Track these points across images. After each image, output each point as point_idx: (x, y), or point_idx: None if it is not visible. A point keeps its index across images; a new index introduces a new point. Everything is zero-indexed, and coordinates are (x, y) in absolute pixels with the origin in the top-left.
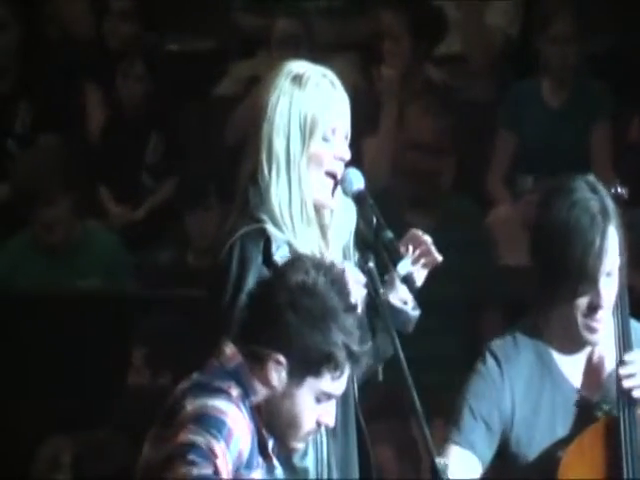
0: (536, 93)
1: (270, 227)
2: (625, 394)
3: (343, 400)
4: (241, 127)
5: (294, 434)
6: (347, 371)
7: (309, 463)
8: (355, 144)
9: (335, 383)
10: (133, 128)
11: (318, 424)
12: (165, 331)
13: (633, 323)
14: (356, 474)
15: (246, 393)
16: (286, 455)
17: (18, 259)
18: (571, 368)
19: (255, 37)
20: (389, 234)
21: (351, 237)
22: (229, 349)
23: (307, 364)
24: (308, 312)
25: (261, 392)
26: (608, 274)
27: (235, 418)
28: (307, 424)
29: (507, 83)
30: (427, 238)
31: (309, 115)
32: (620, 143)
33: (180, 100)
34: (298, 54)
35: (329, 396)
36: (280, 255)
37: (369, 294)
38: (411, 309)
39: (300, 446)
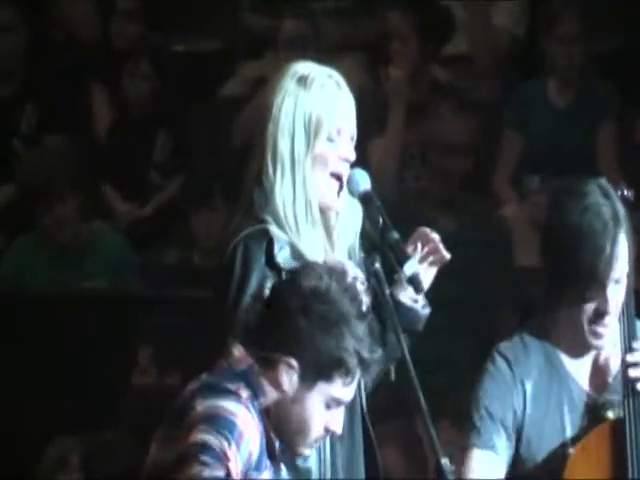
0: (542, 93)
1: (273, 228)
2: (631, 384)
3: (350, 401)
4: (248, 128)
5: (302, 439)
6: (357, 377)
7: (312, 464)
8: (362, 145)
9: (345, 389)
10: (140, 127)
11: (326, 430)
12: (172, 331)
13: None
14: (362, 475)
15: (255, 395)
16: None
17: (25, 259)
18: (578, 369)
19: (262, 38)
20: (395, 235)
21: (357, 238)
22: (238, 351)
23: (319, 369)
24: (321, 317)
25: (270, 394)
26: (616, 281)
27: (245, 420)
28: (316, 429)
29: (513, 83)
30: (435, 236)
31: (314, 115)
32: (626, 143)
33: (187, 100)
34: (305, 55)
35: (339, 402)
36: (282, 256)
37: (375, 295)
38: (421, 307)
39: (307, 452)
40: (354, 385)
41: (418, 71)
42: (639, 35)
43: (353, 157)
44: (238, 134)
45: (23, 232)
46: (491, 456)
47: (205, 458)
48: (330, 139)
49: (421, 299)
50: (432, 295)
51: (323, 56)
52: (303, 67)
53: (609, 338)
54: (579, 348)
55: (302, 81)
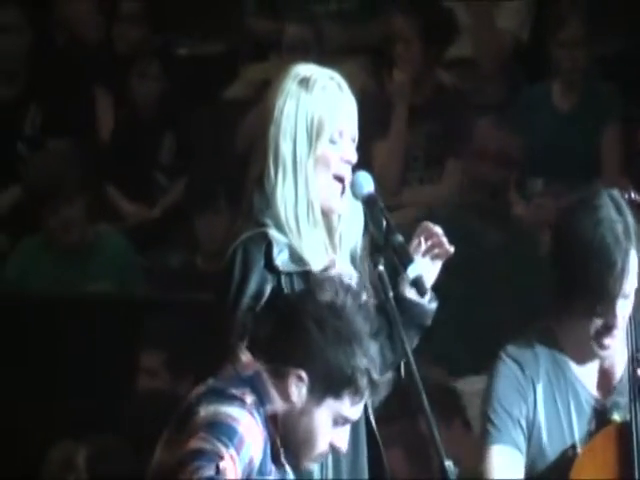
0: (546, 96)
1: (272, 231)
2: (638, 386)
3: None
4: (251, 133)
5: (308, 452)
6: (366, 398)
7: (314, 467)
8: (365, 148)
9: (353, 408)
10: (147, 128)
11: (331, 446)
12: (176, 334)
13: None
14: (365, 476)
15: (261, 401)
16: None
17: (30, 261)
18: (585, 373)
19: (266, 41)
20: (399, 237)
21: (359, 241)
22: (245, 357)
23: (328, 384)
24: (335, 332)
25: (277, 402)
26: (625, 296)
27: (248, 425)
28: (321, 444)
29: (517, 86)
30: (438, 230)
31: (316, 117)
32: (630, 146)
33: (191, 103)
34: (308, 58)
35: (346, 420)
36: (281, 259)
37: (379, 297)
38: (427, 302)
39: (310, 466)
40: (362, 405)
41: (422, 74)
42: None
43: (355, 159)
44: (242, 140)
45: (28, 234)
46: (512, 451)
47: (196, 463)
48: (332, 141)
49: (428, 293)
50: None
51: (327, 59)
52: (304, 69)
53: (615, 347)
54: (585, 356)
55: (304, 83)
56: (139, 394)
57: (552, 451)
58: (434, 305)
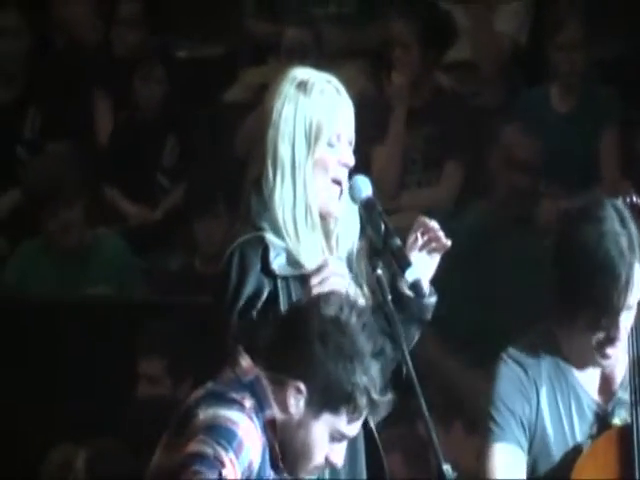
0: (545, 99)
1: (269, 235)
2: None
3: None
4: (250, 136)
5: (304, 464)
6: (364, 415)
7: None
8: (364, 151)
9: (351, 425)
10: (149, 130)
11: (327, 460)
12: (182, 340)
13: None
14: (364, 477)
15: (260, 406)
16: None
17: (29, 264)
18: (587, 378)
19: (266, 44)
20: (397, 241)
21: (355, 243)
22: (245, 361)
23: (327, 399)
24: (337, 348)
25: (276, 409)
26: (629, 308)
27: (247, 429)
28: (318, 457)
29: (516, 89)
30: (434, 224)
31: (314, 121)
32: (628, 149)
33: (190, 106)
34: (307, 62)
35: (343, 436)
36: (278, 263)
37: (377, 300)
38: (427, 296)
39: (307, 478)
40: (360, 422)
41: (420, 77)
42: None
43: (352, 162)
44: (241, 144)
45: (28, 237)
46: (515, 450)
47: (197, 467)
48: (330, 144)
49: (427, 287)
50: None
51: (325, 62)
52: (302, 72)
53: (617, 355)
54: (587, 364)
55: (302, 86)
56: (139, 398)
57: (555, 454)
58: (433, 299)
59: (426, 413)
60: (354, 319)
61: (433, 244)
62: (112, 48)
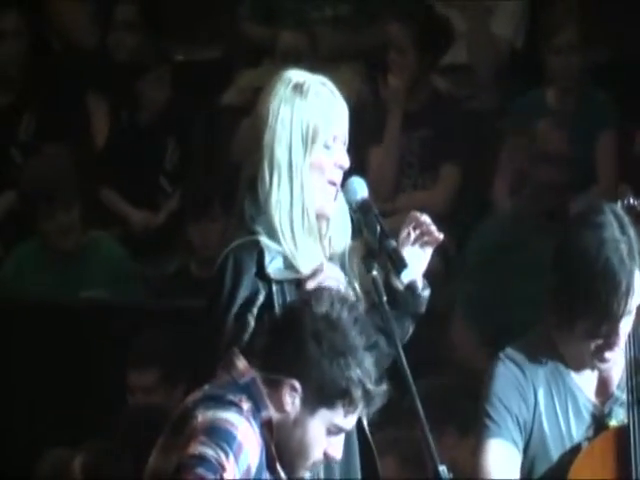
0: (540, 103)
1: (264, 239)
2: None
3: None
4: (245, 139)
5: (302, 462)
6: (360, 408)
7: (306, 475)
8: (360, 154)
9: (347, 419)
10: (151, 133)
11: (325, 455)
12: (175, 350)
13: None
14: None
15: (257, 408)
16: None
17: (24, 266)
18: (584, 380)
19: (262, 47)
20: (393, 243)
21: (347, 245)
22: (241, 363)
23: (322, 395)
24: (330, 345)
25: (273, 411)
26: (628, 314)
27: (245, 432)
28: (316, 454)
29: (512, 93)
30: (426, 218)
31: (311, 123)
32: (624, 153)
33: (187, 109)
34: (303, 65)
35: (339, 430)
36: (273, 267)
37: (373, 302)
38: (420, 289)
39: (306, 475)
40: (356, 415)
41: (416, 80)
42: (636, 45)
43: (348, 164)
44: (237, 148)
45: (23, 239)
46: (509, 447)
47: (200, 470)
48: (326, 146)
49: (420, 281)
50: None
51: (321, 65)
52: (296, 75)
53: (615, 358)
54: (584, 367)
55: (297, 89)
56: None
57: (552, 455)
58: (427, 293)
59: (421, 413)
60: (345, 314)
61: (425, 238)
62: (109, 52)
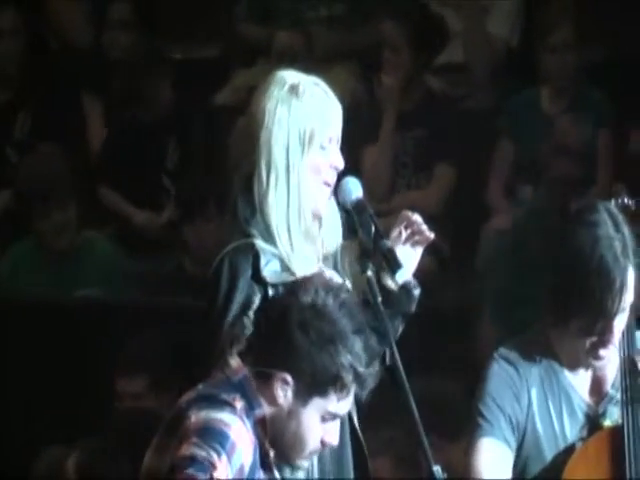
0: (535, 102)
1: (259, 242)
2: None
3: None
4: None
5: (298, 452)
6: (353, 391)
7: (300, 476)
8: (354, 153)
9: (341, 403)
10: (153, 132)
11: (322, 443)
12: (163, 356)
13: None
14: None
15: (251, 406)
16: (277, 467)
17: (19, 265)
18: (578, 380)
19: (258, 46)
20: (388, 243)
21: (339, 245)
22: (235, 361)
23: (314, 384)
24: (318, 333)
25: (266, 407)
26: (622, 311)
27: (239, 431)
28: (312, 443)
29: (507, 92)
30: (417, 218)
31: (308, 125)
32: (620, 152)
33: (183, 108)
34: (298, 65)
35: (334, 416)
36: (269, 270)
37: (367, 302)
38: (411, 289)
39: (305, 463)
40: (350, 399)
41: (411, 80)
42: (632, 44)
43: (342, 165)
44: (231, 152)
45: (18, 239)
46: (501, 446)
47: (190, 471)
48: (322, 147)
49: (410, 280)
50: None
51: (316, 65)
52: (290, 75)
53: (609, 356)
54: (579, 365)
55: (293, 90)
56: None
57: (546, 455)
58: (417, 292)
59: (415, 413)
60: (331, 300)
61: (416, 237)
62: (105, 51)
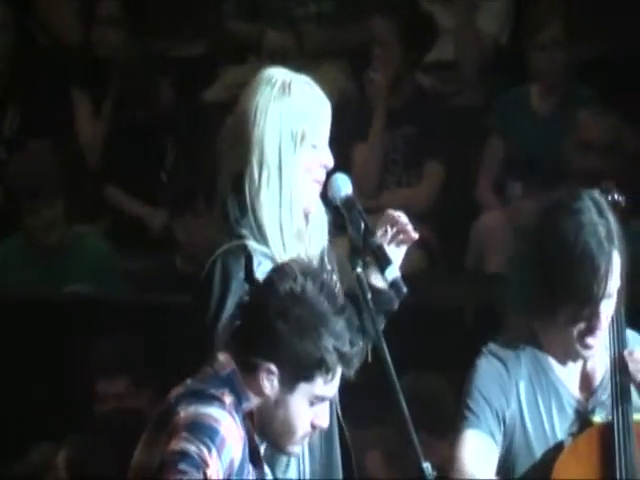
0: (525, 99)
1: (251, 243)
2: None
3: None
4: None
5: (288, 439)
6: (339, 373)
7: (292, 475)
8: (344, 151)
9: (327, 386)
10: (150, 130)
11: (313, 427)
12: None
13: (628, 332)
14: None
15: (239, 400)
16: (270, 466)
17: (8, 261)
18: (568, 375)
19: (246, 43)
20: (377, 240)
21: (325, 242)
22: (223, 356)
23: (299, 371)
24: (298, 320)
25: (254, 400)
26: (609, 296)
27: (228, 427)
28: (302, 429)
29: (496, 89)
30: (403, 217)
31: (300, 125)
32: None
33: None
34: (288, 62)
35: (322, 399)
36: (262, 271)
37: (357, 299)
38: (401, 285)
39: (297, 449)
40: (337, 381)
41: (401, 77)
42: (621, 41)
43: (332, 164)
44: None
45: (7, 236)
46: (486, 439)
47: (183, 466)
48: (314, 146)
49: (399, 277)
50: None
51: (306, 62)
52: (280, 73)
53: (598, 346)
54: (568, 356)
55: (283, 88)
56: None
57: (536, 451)
58: (405, 289)
59: (405, 410)
60: (310, 285)
61: (401, 236)
62: (93, 48)
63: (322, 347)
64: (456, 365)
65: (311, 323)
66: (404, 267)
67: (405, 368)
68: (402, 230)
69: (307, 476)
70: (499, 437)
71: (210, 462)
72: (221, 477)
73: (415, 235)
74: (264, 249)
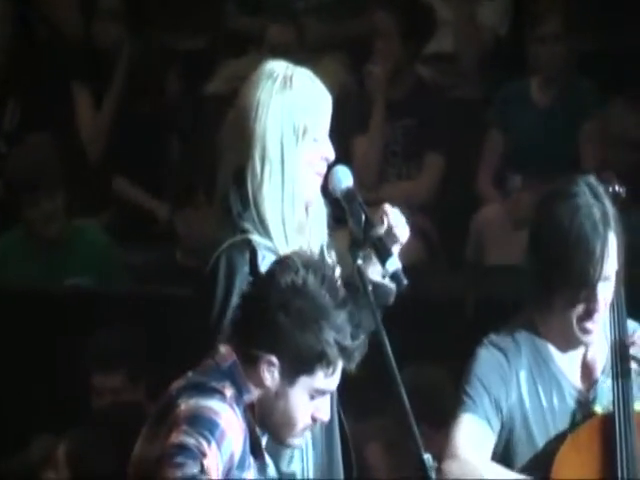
0: (525, 92)
1: (255, 237)
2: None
3: None
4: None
5: (289, 431)
6: (340, 367)
7: (296, 468)
8: (344, 143)
9: (328, 379)
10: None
11: (313, 419)
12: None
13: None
14: (341, 474)
15: (240, 392)
16: (274, 459)
17: (8, 254)
18: (568, 365)
19: (247, 36)
20: (378, 232)
21: (325, 236)
22: (224, 348)
23: (300, 364)
24: (299, 313)
25: (255, 391)
26: (606, 279)
27: (229, 419)
28: (302, 421)
29: (496, 82)
30: (397, 212)
31: (302, 119)
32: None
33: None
34: (289, 56)
35: (323, 392)
36: (266, 265)
37: (357, 291)
38: (389, 282)
39: (297, 441)
40: (338, 374)
41: (400, 69)
42: (621, 34)
43: (333, 157)
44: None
45: (7, 229)
46: (482, 424)
47: (180, 459)
48: (315, 140)
49: (400, 268)
50: None
51: (306, 55)
52: (280, 67)
53: (598, 332)
54: (568, 343)
55: (286, 82)
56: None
57: (537, 441)
58: (405, 282)
59: (406, 402)
60: (311, 278)
61: (395, 230)
62: (94, 41)
63: (323, 340)
64: (456, 357)
65: (312, 316)
66: (404, 259)
67: (405, 360)
68: (396, 225)
69: (310, 469)
70: (496, 424)
71: (209, 453)
72: (221, 470)
73: (403, 238)
74: (268, 243)
